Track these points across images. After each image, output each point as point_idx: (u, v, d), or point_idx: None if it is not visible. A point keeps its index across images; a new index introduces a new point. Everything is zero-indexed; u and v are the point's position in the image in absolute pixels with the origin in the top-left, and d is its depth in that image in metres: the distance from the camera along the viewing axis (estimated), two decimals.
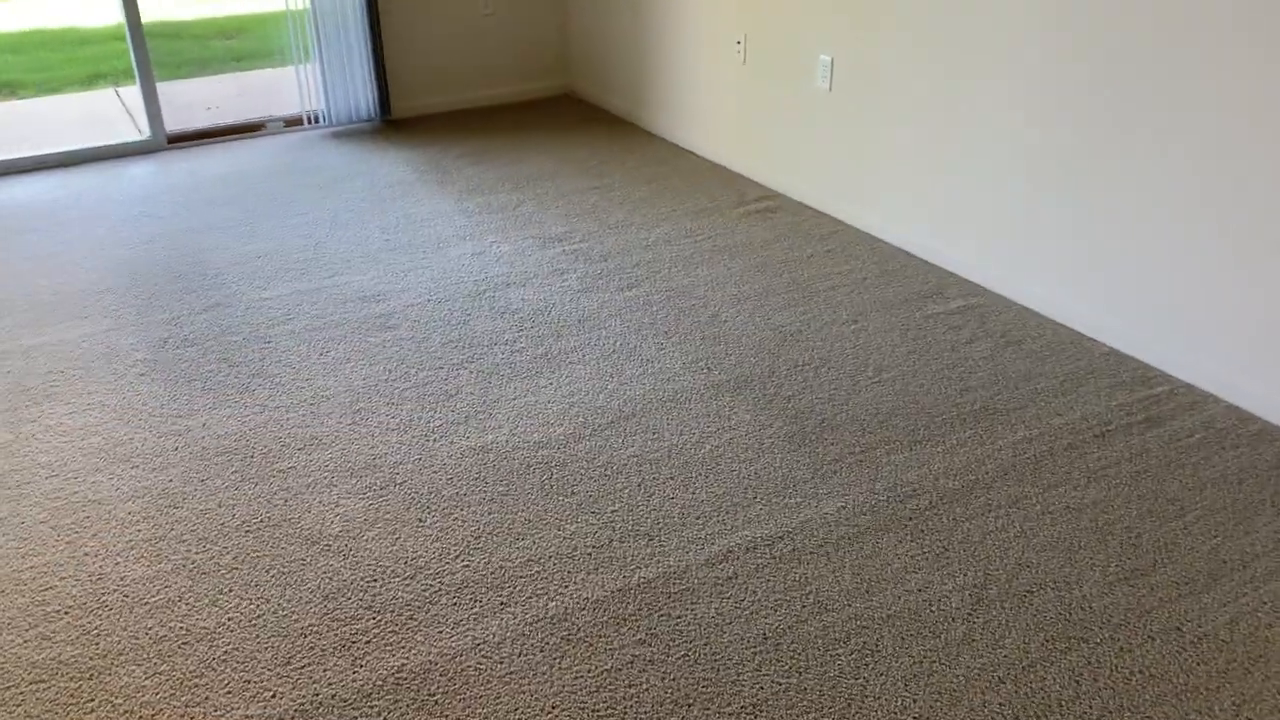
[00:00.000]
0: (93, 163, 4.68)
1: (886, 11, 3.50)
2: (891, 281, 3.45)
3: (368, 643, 1.99)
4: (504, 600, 2.10)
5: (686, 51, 4.60)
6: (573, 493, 2.42)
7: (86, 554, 2.24)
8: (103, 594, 2.12)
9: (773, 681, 1.90)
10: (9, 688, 1.90)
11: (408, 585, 2.14)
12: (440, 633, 2.02)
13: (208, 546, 2.26)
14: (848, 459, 2.54)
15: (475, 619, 2.05)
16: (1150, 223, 2.82)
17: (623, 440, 2.61)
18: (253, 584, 2.15)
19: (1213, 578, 2.14)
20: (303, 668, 1.94)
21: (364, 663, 1.95)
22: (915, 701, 1.86)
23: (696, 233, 3.85)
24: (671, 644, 1.99)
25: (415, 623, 2.04)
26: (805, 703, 1.86)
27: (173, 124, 5.06)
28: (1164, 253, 2.80)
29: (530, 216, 4.02)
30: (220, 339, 3.12)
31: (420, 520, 2.33)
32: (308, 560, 2.21)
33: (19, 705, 1.87)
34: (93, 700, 1.88)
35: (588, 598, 2.10)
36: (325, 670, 1.93)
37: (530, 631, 2.02)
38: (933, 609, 2.07)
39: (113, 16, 8.27)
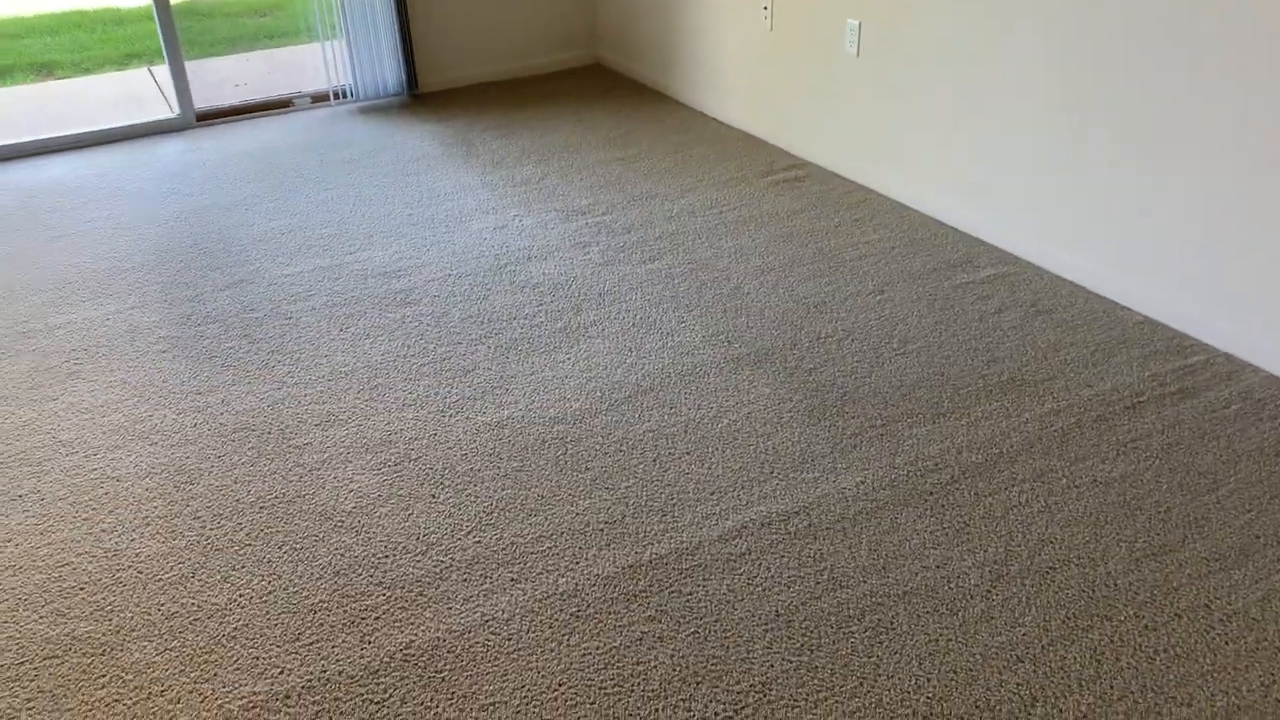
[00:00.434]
0: (123, 142, 4.71)
1: None
2: (920, 250, 3.37)
3: (377, 619, 1.99)
4: (514, 576, 2.08)
5: (713, 18, 4.52)
6: (587, 468, 2.39)
7: (103, 530, 2.25)
8: (118, 570, 2.14)
9: (784, 659, 1.87)
10: (24, 663, 1.92)
11: (419, 561, 2.13)
12: (450, 609, 2.00)
13: (222, 523, 2.26)
14: (868, 432, 2.49)
15: (485, 595, 2.03)
16: (1188, 187, 2.72)
17: (639, 415, 2.58)
18: (265, 560, 2.15)
19: (1244, 554, 2.07)
20: (312, 644, 1.94)
21: (372, 639, 1.94)
22: (930, 681, 1.81)
23: (722, 203, 3.79)
24: (682, 621, 1.96)
25: (425, 599, 2.03)
26: (816, 681, 1.82)
27: (203, 102, 5.08)
28: (1203, 217, 2.70)
29: (554, 189, 3.98)
30: (242, 316, 3.13)
31: (433, 496, 2.32)
32: (320, 537, 2.21)
33: (33, 680, 1.88)
34: (104, 676, 1.89)
35: (599, 574, 2.08)
36: (334, 647, 1.93)
37: (540, 608, 2.00)
38: (951, 585, 2.02)
39: None
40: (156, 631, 1.98)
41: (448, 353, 2.89)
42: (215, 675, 1.88)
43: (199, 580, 2.10)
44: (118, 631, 1.99)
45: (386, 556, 2.15)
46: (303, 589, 2.07)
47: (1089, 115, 2.93)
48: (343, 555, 2.15)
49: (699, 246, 3.46)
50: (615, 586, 2.05)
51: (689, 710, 1.78)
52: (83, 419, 2.65)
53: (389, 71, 5.10)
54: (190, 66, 4.84)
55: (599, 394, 2.67)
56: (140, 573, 2.13)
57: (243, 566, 2.13)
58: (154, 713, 1.81)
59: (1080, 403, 2.56)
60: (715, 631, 1.94)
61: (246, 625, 1.98)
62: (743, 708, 1.78)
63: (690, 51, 4.76)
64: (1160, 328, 2.86)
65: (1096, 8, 2.83)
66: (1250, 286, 2.63)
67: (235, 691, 1.84)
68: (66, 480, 2.42)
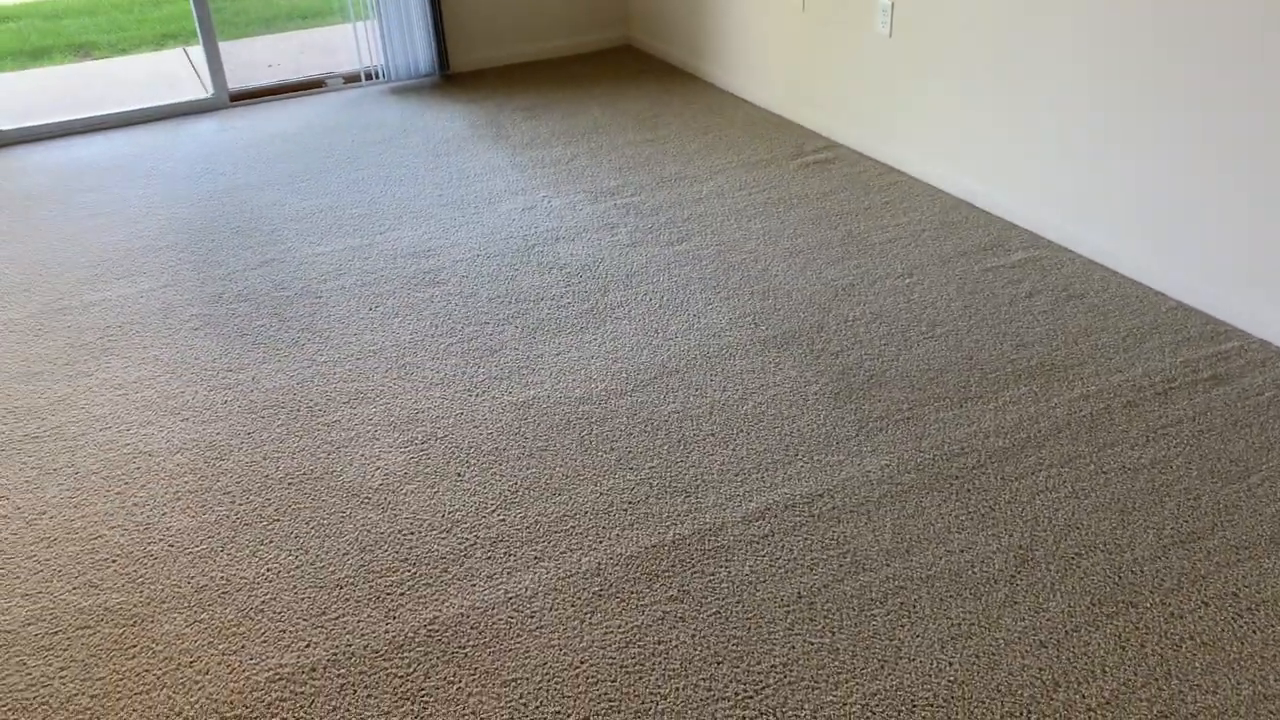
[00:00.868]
0: (157, 122, 4.75)
1: None
2: (951, 233, 3.34)
3: (402, 595, 2.01)
4: (538, 555, 2.09)
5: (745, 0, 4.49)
6: (611, 448, 2.40)
7: (135, 504, 2.29)
8: (149, 543, 2.17)
9: (805, 641, 1.87)
10: (57, 633, 1.96)
11: (443, 539, 2.15)
12: (473, 586, 2.02)
13: (251, 498, 2.29)
14: (894, 416, 2.47)
15: (509, 573, 2.05)
16: (1224, 170, 2.67)
17: (664, 396, 2.58)
18: (292, 536, 2.17)
19: (1275, 542, 2.04)
20: (337, 619, 1.96)
21: (397, 615, 1.96)
22: (951, 665, 1.81)
23: (751, 185, 3.78)
24: (703, 601, 1.97)
25: (449, 576, 2.05)
26: (837, 663, 1.82)
27: (237, 82, 5.12)
28: (1240, 202, 2.66)
29: (583, 170, 3.98)
30: (273, 294, 3.16)
31: (459, 474, 2.34)
32: (347, 513, 2.23)
33: (65, 650, 1.92)
34: (135, 646, 1.92)
35: (621, 553, 2.09)
36: (359, 621, 1.95)
37: (563, 586, 2.01)
38: (975, 570, 2.01)
39: None
40: (186, 604, 2.01)
41: (475, 332, 2.90)
42: (243, 647, 1.91)
43: (228, 554, 2.13)
44: (148, 603, 2.02)
45: (412, 533, 2.17)
46: (329, 564, 2.09)
47: (1123, 97, 2.89)
48: (369, 531, 2.18)
49: (727, 228, 3.45)
50: (638, 566, 2.06)
51: (709, 689, 1.78)
52: (116, 394, 2.69)
53: (420, 52, 5.11)
54: (224, 47, 4.87)
55: (624, 375, 2.68)
56: (171, 546, 2.16)
57: (271, 541, 2.16)
58: (183, 683, 1.84)
59: (1110, 388, 2.53)
60: (737, 612, 1.94)
61: (274, 599, 2.01)
62: (763, 688, 1.78)
63: (721, 33, 4.73)
64: (1194, 313, 2.82)
65: None
66: None
67: (262, 664, 1.87)
68: (100, 455, 2.46)
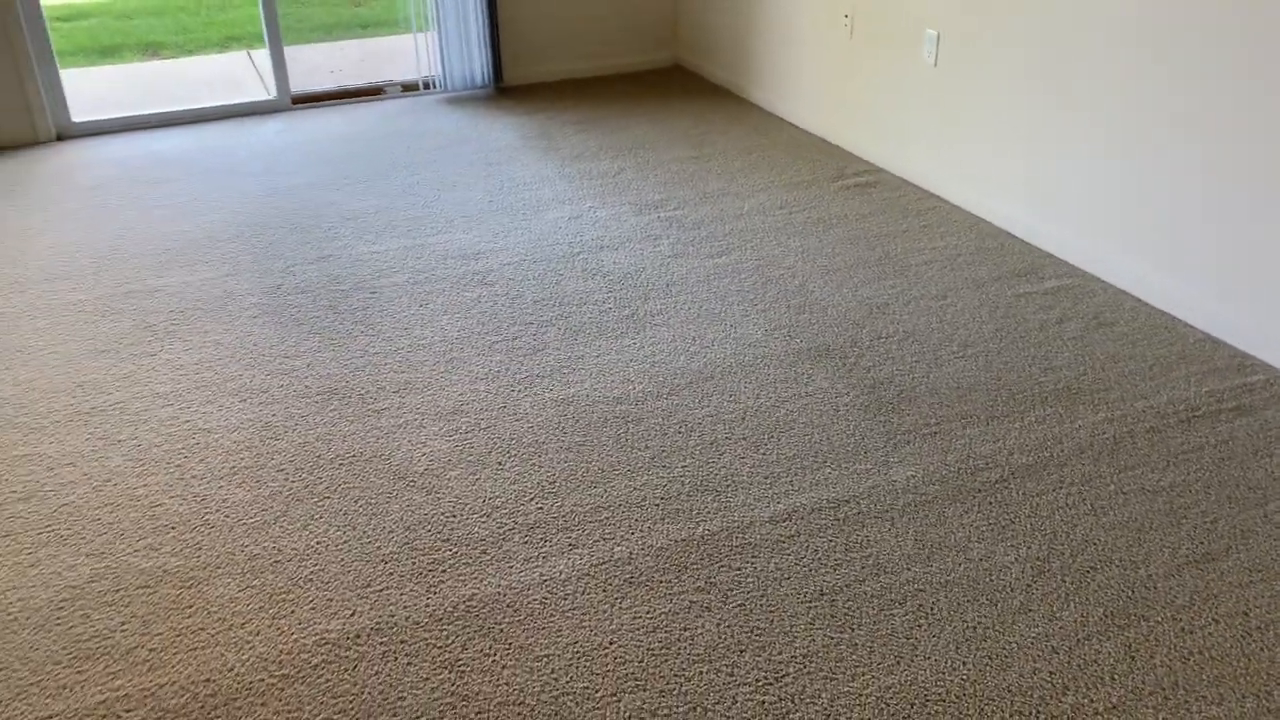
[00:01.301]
0: (221, 120, 4.93)
1: None
2: (986, 259, 3.42)
3: (443, 572, 2.12)
4: (572, 542, 2.19)
5: (795, 25, 4.60)
6: (646, 447, 2.50)
7: (194, 476, 2.42)
8: (206, 513, 2.30)
9: (825, 635, 1.96)
10: (119, 590, 2.09)
11: (484, 522, 2.25)
12: (510, 567, 2.12)
13: (303, 476, 2.41)
14: (922, 430, 2.55)
15: (544, 557, 2.15)
16: (1257, 207, 2.74)
17: (699, 400, 2.68)
18: (342, 512, 2.29)
19: None
20: (381, 591, 2.07)
21: (438, 590, 2.07)
22: (965, 664, 1.89)
23: (792, 204, 3.87)
24: (729, 593, 2.06)
25: (488, 557, 2.15)
26: (855, 657, 1.91)
27: (299, 86, 5.30)
28: (1273, 239, 2.72)
29: (629, 183, 4.10)
30: (329, 288, 3.30)
31: (500, 463, 2.44)
32: (394, 494, 2.35)
33: (127, 606, 2.05)
34: (191, 606, 2.04)
35: (652, 545, 2.18)
36: (402, 594, 2.06)
37: (595, 572, 2.11)
38: (992, 578, 2.09)
39: None
40: (240, 570, 2.13)
41: (520, 332, 3.01)
42: (292, 613, 2.02)
43: (280, 527, 2.25)
44: (204, 568, 2.14)
45: (454, 516, 2.28)
46: (375, 540, 2.21)
47: (1161, 133, 2.96)
48: (414, 512, 2.29)
49: (767, 244, 3.55)
50: (667, 557, 2.15)
51: (731, 675, 1.87)
52: (178, 374, 2.83)
53: (476, 65, 5.27)
54: (287, 51, 5.05)
55: (661, 378, 2.78)
56: (227, 516, 2.29)
57: (321, 517, 2.28)
58: (234, 642, 1.95)
59: (1134, 414, 2.60)
60: (761, 605, 2.03)
61: (322, 570, 2.13)
62: (783, 676, 1.87)
63: (770, 57, 4.84)
64: (1222, 346, 2.88)
65: (1170, 28, 2.86)
66: None
67: (310, 629, 1.98)
68: (162, 429, 2.59)
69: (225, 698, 1.84)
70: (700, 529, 2.23)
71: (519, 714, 1.80)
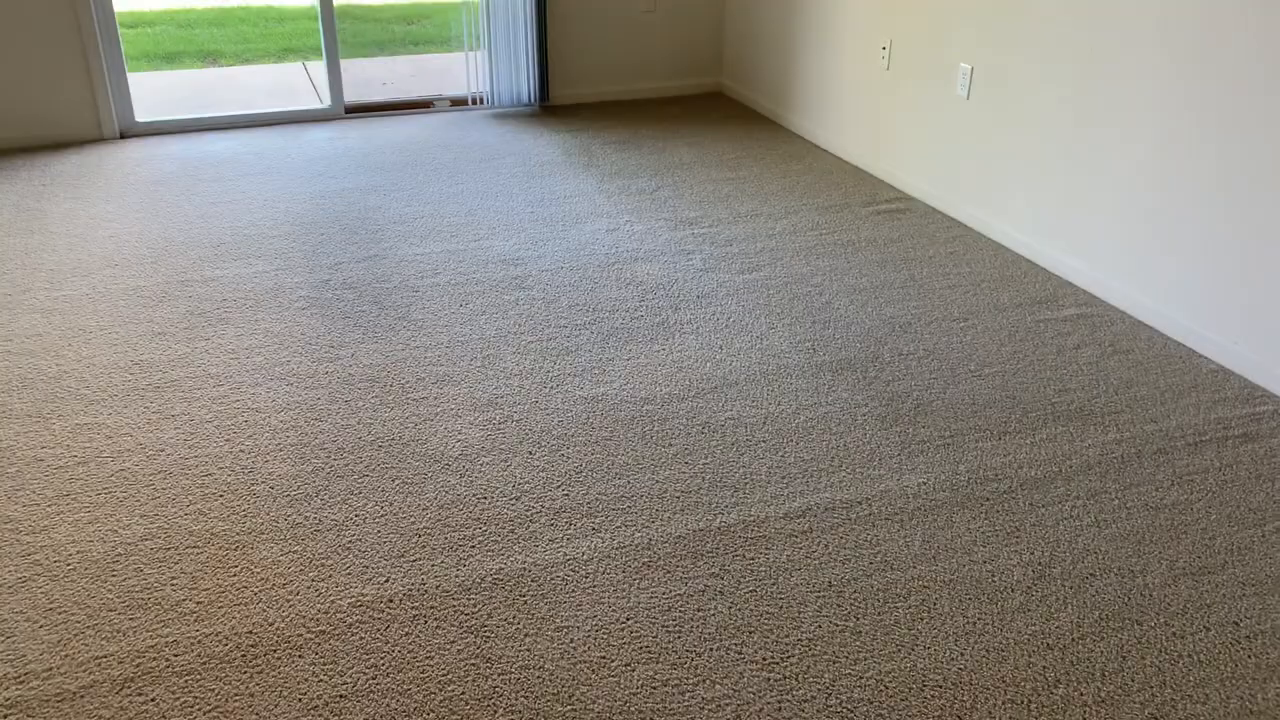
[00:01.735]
0: (277, 126, 5.14)
1: (1026, 24, 3.58)
2: (1009, 286, 3.52)
3: (472, 547, 2.24)
4: (595, 526, 2.31)
5: (834, 55, 4.74)
6: (670, 444, 2.62)
7: (242, 451, 2.56)
8: (253, 484, 2.44)
9: (831, 623, 2.06)
10: (170, 549, 2.23)
11: (512, 505, 2.38)
12: (536, 546, 2.25)
13: (345, 455, 2.55)
14: (936, 441, 2.66)
15: (568, 539, 2.27)
16: (1274, 243, 2.83)
17: (722, 404, 2.80)
18: (379, 490, 2.43)
19: None
20: (414, 561, 2.20)
21: (467, 563, 2.19)
22: (963, 655, 1.98)
23: (823, 226, 4.00)
24: (741, 579, 2.17)
25: (515, 536, 2.28)
26: (858, 644, 2.01)
27: (352, 96, 5.50)
28: None
29: (665, 201, 4.24)
30: (374, 285, 3.45)
31: (530, 453, 2.57)
32: (429, 476, 2.48)
33: (176, 563, 2.19)
34: (236, 567, 2.18)
35: (671, 533, 2.30)
36: (433, 565, 2.19)
37: (615, 555, 2.23)
38: (995, 579, 2.18)
39: None
40: (282, 537, 2.27)
41: (554, 334, 3.15)
42: (330, 577, 2.15)
43: (321, 500, 2.39)
44: (249, 533, 2.28)
45: (485, 498, 2.40)
46: (410, 516, 2.34)
47: (1188, 173, 3.07)
48: (447, 493, 2.42)
49: (796, 263, 3.67)
50: (685, 545, 2.27)
51: (740, 653, 1.98)
52: (229, 358, 2.98)
53: (523, 83, 5.45)
54: (342, 64, 5.25)
55: (687, 383, 2.90)
56: (272, 488, 2.43)
57: (360, 492, 2.41)
58: (276, 601, 2.09)
59: (1143, 436, 2.69)
60: (771, 592, 2.14)
61: (359, 540, 2.26)
62: (788, 657, 1.97)
63: (808, 85, 4.99)
64: (1233, 377, 2.96)
65: (1198, 70, 2.97)
66: None
67: (346, 591, 2.11)
68: (213, 406, 2.75)
69: (266, 649, 1.97)
70: (717, 521, 2.34)
71: (538, 677, 1.92)
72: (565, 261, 3.66)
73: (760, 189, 4.39)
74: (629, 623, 2.05)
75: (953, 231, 3.97)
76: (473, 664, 1.94)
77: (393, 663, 1.94)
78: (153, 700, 1.86)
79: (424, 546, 2.25)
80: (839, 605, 2.11)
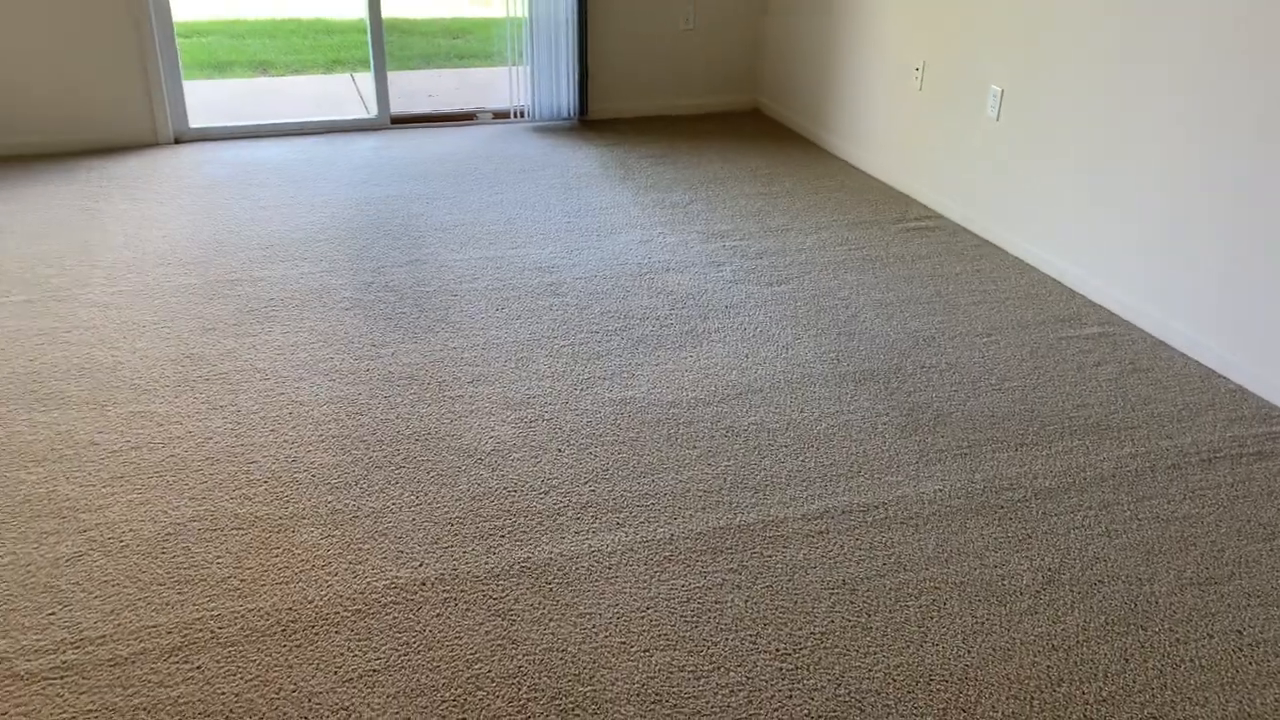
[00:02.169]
0: (324, 134, 5.31)
1: (1057, 49, 3.65)
2: (1033, 304, 3.59)
3: (501, 537, 2.35)
4: (620, 521, 2.41)
5: (868, 75, 4.84)
6: (694, 446, 2.71)
7: (285, 441, 2.69)
8: (295, 472, 2.56)
9: (843, 618, 2.14)
10: (216, 530, 2.35)
11: (541, 499, 2.48)
12: (562, 538, 2.35)
13: (383, 448, 2.67)
14: (953, 450, 2.73)
15: (593, 532, 2.37)
16: None
17: (746, 410, 2.89)
18: (415, 480, 2.54)
19: None
20: (447, 548, 2.31)
21: (496, 551, 2.30)
22: (970, 652, 2.06)
23: (852, 242, 4.08)
24: (758, 575, 2.25)
25: (543, 528, 2.38)
26: (868, 639, 2.09)
27: (398, 108, 5.66)
28: None
29: (698, 214, 4.34)
30: (415, 289, 3.58)
31: (559, 450, 2.68)
32: (462, 469, 2.59)
33: (222, 543, 2.31)
34: (278, 548, 2.30)
35: (692, 530, 2.39)
36: (465, 552, 2.29)
37: (638, 548, 2.32)
38: (1004, 583, 2.26)
39: (356, 11, 9.13)
40: (322, 522, 2.39)
41: (586, 339, 3.26)
42: (366, 560, 2.27)
43: (360, 488, 2.51)
44: (291, 517, 2.40)
45: (515, 491, 2.51)
46: (443, 506, 2.45)
47: (1216, 198, 3.12)
48: (479, 485, 2.53)
49: (824, 276, 3.76)
50: (705, 541, 2.36)
51: (754, 644, 2.07)
52: (275, 353, 3.12)
53: (563, 97, 5.58)
54: (389, 76, 5.41)
55: (713, 388, 2.99)
56: (313, 476, 2.55)
57: (397, 482, 2.53)
58: (315, 580, 2.20)
59: (1158, 451, 2.75)
60: (787, 587, 2.22)
61: (395, 527, 2.37)
62: (801, 649, 2.06)
63: (843, 104, 5.08)
64: (1251, 397, 3.01)
65: (1230, 94, 3.03)
66: None
67: (381, 574, 2.23)
68: (259, 399, 2.88)
69: (304, 624, 2.09)
70: (737, 520, 2.43)
71: (561, 659, 2.02)
72: (599, 270, 3.77)
73: (792, 204, 4.48)
74: (649, 612, 2.14)
75: (980, 249, 4.04)
76: (499, 645, 2.05)
77: (423, 641, 2.05)
78: (198, 668, 1.98)
79: (456, 534, 2.35)
80: (851, 602, 2.19)
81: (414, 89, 6.57)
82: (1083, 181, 3.61)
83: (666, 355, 3.18)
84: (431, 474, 2.57)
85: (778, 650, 2.05)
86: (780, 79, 5.71)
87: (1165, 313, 3.32)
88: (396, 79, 6.76)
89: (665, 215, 4.33)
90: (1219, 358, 3.14)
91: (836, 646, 2.07)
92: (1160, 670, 2.03)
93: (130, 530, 2.35)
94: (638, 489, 2.54)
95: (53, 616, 2.09)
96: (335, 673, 1.98)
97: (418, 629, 2.08)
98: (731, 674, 2.00)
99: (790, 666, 2.01)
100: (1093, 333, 3.39)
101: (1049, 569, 2.30)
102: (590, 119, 5.74)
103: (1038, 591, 2.23)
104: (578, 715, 1.90)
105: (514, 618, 2.12)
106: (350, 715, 1.89)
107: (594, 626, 2.10)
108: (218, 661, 1.99)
